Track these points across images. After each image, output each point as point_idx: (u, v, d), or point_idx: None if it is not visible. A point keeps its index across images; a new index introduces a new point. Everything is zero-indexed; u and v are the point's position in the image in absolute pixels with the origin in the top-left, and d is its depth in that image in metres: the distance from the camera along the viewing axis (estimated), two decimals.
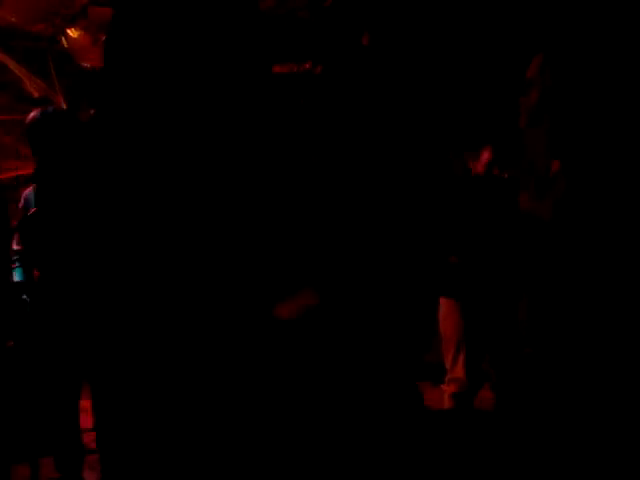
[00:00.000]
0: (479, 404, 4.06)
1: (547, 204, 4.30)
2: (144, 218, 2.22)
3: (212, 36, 2.34)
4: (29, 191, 3.39)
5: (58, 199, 3.12)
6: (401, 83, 4.06)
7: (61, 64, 5.18)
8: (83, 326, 2.84)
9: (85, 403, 3.30)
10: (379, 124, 3.71)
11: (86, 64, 5.01)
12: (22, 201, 3.40)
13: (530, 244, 4.07)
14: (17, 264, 3.34)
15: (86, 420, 3.36)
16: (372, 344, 2.95)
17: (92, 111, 3.91)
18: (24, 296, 3.30)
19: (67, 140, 3.25)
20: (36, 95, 5.09)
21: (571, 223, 4.28)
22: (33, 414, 3.28)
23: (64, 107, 4.86)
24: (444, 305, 3.94)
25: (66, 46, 5.09)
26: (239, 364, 2.26)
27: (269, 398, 2.33)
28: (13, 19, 4.53)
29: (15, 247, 3.40)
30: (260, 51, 2.48)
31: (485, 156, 3.97)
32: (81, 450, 3.29)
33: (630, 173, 4.27)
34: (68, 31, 4.93)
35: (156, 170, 2.27)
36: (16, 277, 3.34)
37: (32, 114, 3.38)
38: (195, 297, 2.22)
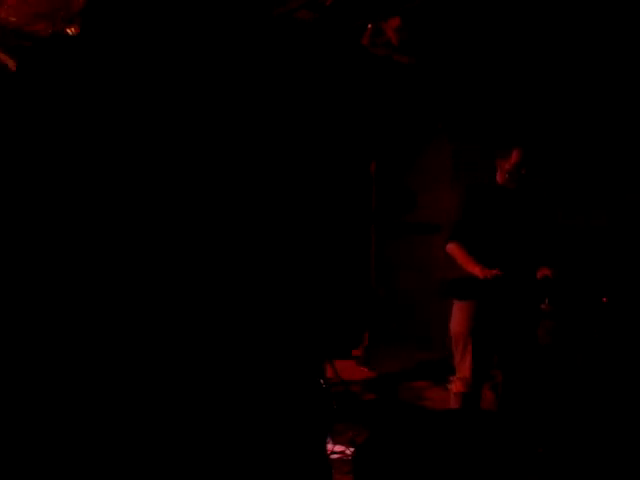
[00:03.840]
0: (480, 404, 4.07)
1: None
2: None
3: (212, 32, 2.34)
4: None
5: None
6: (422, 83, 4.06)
7: None
8: None
9: None
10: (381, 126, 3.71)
11: None
12: None
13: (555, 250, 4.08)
14: None
15: None
16: None
17: None
18: None
19: None
20: None
21: None
22: None
23: None
24: (455, 305, 3.96)
25: None
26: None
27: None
28: (13, 19, 4.52)
29: None
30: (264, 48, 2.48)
31: (515, 156, 3.97)
32: None
33: None
34: (68, 31, 4.92)
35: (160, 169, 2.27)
36: None
37: None
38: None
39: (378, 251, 6.43)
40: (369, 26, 4.65)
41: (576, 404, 3.72)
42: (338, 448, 3.99)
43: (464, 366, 3.84)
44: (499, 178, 4.05)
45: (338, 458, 3.90)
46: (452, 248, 3.99)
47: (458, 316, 3.93)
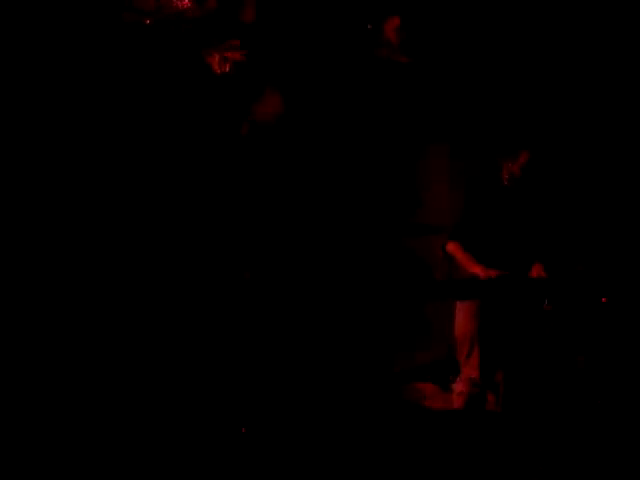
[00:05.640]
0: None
1: None
2: None
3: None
4: None
5: None
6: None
7: None
8: None
9: None
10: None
11: None
12: None
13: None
14: None
15: None
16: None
17: None
18: None
19: None
20: None
21: None
22: None
23: None
24: (458, 306, 3.96)
25: None
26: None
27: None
28: None
29: None
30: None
31: (522, 159, 4.00)
32: None
33: None
34: None
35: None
36: None
37: None
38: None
39: (378, 251, 6.39)
40: (369, 26, 4.65)
41: (576, 404, 3.72)
42: None
43: (471, 366, 3.84)
44: (503, 178, 4.06)
45: None
46: (452, 248, 4.02)
47: (462, 317, 3.93)
